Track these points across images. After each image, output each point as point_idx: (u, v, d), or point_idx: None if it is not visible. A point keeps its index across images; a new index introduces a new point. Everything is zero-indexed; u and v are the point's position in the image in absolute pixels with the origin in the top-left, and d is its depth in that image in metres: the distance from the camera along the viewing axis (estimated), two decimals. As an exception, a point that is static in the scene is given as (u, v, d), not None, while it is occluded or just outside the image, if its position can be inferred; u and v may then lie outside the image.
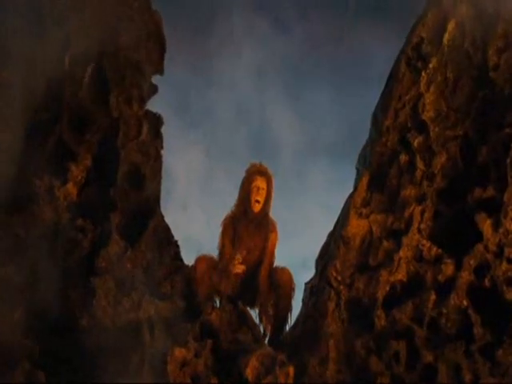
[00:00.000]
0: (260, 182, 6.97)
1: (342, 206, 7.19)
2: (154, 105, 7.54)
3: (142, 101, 7.17)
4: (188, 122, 10.42)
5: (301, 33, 11.32)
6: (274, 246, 7.00)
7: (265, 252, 6.95)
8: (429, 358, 6.34)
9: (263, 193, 6.97)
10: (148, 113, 7.49)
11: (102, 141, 7.03)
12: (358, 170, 7.44)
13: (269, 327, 6.94)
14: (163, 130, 7.47)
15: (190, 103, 10.90)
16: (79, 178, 6.87)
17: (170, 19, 7.66)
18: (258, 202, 6.95)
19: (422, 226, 6.81)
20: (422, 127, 6.89)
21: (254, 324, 6.77)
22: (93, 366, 6.31)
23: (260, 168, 7.03)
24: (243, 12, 10.87)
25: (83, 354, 6.35)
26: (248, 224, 6.98)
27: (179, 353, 6.07)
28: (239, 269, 6.85)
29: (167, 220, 7.38)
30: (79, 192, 6.87)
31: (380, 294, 6.61)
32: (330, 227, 7.33)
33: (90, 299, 6.53)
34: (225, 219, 7.08)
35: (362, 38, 11.18)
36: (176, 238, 7.23)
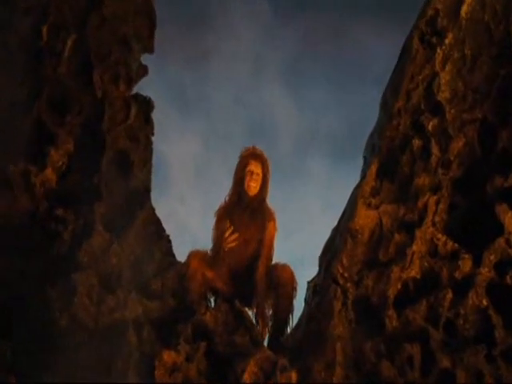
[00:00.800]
0: (254, 167, 6.41)
1: (342, 201, 6.69)
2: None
3: (130, 81, 6.59)
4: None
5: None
6: (272, 236, 6.42)
7: (262, 244, 6.34)
8: (446, 362, 5.78)
9: (258, 178, 6.42)
10: (137, 96, 6.94)
11: (86, 123, 6.45)
12: (365, 158, 6.87)
13: (265, 330, 6.37)
14: (160, 118, 7.01)
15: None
16: (59, 163, 6.27)
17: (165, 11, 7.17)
18: (253, 186, 6.41)
19: (437, 218, 6.26)
20: (436, 109, 6.30)
21: (253, 325, 6.20)
22: (72, 370, 5.70)
23: (254, 151, 6.47)
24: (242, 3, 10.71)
25: (62, 358, 5.73)
26: (243, 212, 6.42)
27: (168, 356, 5.48)
28: (231, 242, 6.27)
29: (162, 212, 6.93)
30: (59, 179, 6.27)
31: (391, 293, 6.05)
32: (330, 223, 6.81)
33: (71, 297, 5.92)
34: (218, 209, 6.53)
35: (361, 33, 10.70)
36: (171, 229, 6.71)
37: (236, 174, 6.48)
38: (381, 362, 5.79)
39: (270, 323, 6.42)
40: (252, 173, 6.39)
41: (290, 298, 6.34)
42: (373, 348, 5.91)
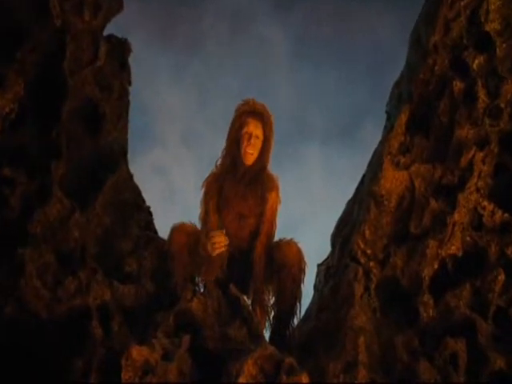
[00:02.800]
0: (253, 127, 5.11)
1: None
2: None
3: (99, 10, 5.28)
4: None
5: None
6: (274, 209, 5.15)
7: (262, 219, 5.09)
8: (499, 362, 4.61)
9: (257, 143, 5.12)
10: (111, 37, 5.66)
11: (42, 62, 5.14)
12: (388, 114, 5.65)
13: (265, 320, 5.15)
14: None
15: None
16: (6, 110, 4.95)
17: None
18: (250, 154, 5.11)
19: (480, 183, 5.04)
20: (484, 43, 5.09)
21: (251, 315, 4.91)
22: (19, 370, 4.46)
23: (253, 106, 5.14)
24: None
25: (6, 354, 4.49)
26: (238, 182, 5.16)
27: (139, 354, 4.19)
28: (220, 247, 4.96)
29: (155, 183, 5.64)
30: (7, 130, 4.97)
31: (426, 274, 4.90)
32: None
33: (17, 278, 4.65)
34: (207, 178, 5.24)
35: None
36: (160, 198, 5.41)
37: (230, 134, 5.21)
38: (416, 362, 4.59)
39: (272, 313, 5.19)
40: (250, 136, 5.11)
41: (296, 281, 5.08)
42: (405, 343, 4.73)
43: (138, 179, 5.68)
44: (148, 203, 5.65)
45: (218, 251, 4.95)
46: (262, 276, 5.10)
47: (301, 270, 5.07)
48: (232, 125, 5.19)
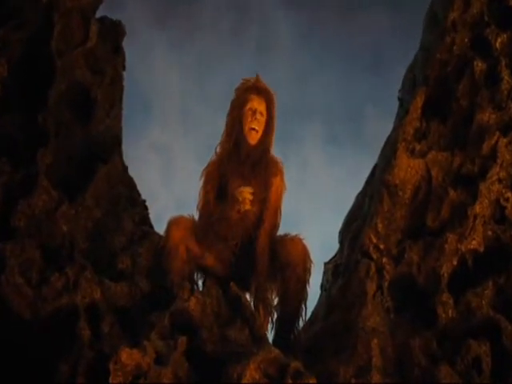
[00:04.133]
0: (257, 104, 4.76)
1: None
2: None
3: (89, -13, 4.93)
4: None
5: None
6: (278, 195, 4.80)
7: (265, 206, 4.73)
8: None
9: (262, 119, 4.77)
10: (104, 18, 5.34)
11: (27, 41, 4.83)
12: (400, 100, 5.32)
13: (267, 320, 4.76)
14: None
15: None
16: (-11, 94, 4.64)
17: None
18: (254, 130, 4.76)
19: (503, 172, 4.74)
20: (507, 20, 4.79)
21: (254, 316, 4.55)
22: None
23: (257, 83, 4.81)
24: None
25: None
26: (240, 166, 4.80)
27: (129, 357, 3.80)
28: (246, 204, 4.66)
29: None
30: (-10, 116, 4.65)
31: (445, 270, 4.55)
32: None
33: None
34: (206, 167, 4.88)
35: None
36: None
37: (231, 113, 4.85)
38: (436, 367, 4.21)
39: (275, 314, 4.82)
40: (254, 112, 4.76)
41: (301, 281, 4.71)
42: (422, 346, 4.36)
43: (137, 157, 5.31)
44: (147, 182, 5.30)
45: (247, 207, 4.64)
46: (265, 270, 4.74)
47: (306, 270, 4.70)
48: (234, 103, 4.86)
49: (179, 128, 9.66)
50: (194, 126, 9.71)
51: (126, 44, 5.41)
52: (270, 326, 4.82)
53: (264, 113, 4.78)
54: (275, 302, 4.82)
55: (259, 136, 4.78)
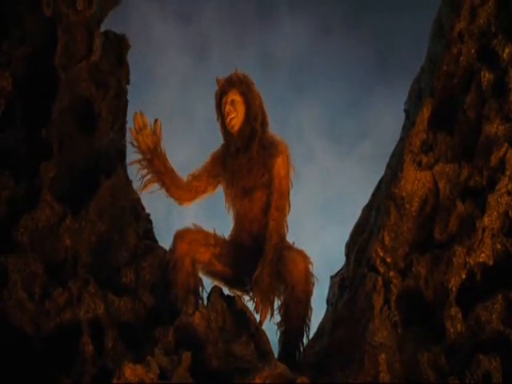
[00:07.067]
0: (231, 94, 4.80)
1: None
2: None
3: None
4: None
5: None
6: (281, 178, 4.73)
7: (270, 190, 4.71)
8: None
9: (238, 107, 4.78)
10: (108, 32, 5.33)
11: (31, 55, 4.80)
12: (406, 112, 5.24)
13: (265, 316, 4.63)
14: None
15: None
16: (-7, 107, 4.62)
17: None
18: (233, 119, 4.80)
19: (511, 185, 4.63)
20: None
21: (259, 331, 4.48)
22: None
23: (229, 77, 4.85)
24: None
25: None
26: (237, 156, 4.82)
27: (132, 373, 3.75)
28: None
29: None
30: (-7, 130, 4.63)
31: (453, 284, 4.47)
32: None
33: (0, 289, 4.27)
34: (211, 154, 5.02)
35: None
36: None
37: (216, 112, 4.92)
38: (445, 382, 4.10)
39: (275, 313, 4.70)
40: (230, 103, 4.80)
41: (301, 302, 4.61)
42: (430, 361, 4.27)
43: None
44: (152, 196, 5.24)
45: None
46: (271, 263, 4.61)
47: (305, 292, 4.60)
48: (215, 102, 4.91)
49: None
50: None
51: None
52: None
53: (240, 100, 4.79)
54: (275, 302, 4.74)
55: (240, 122, 4.78)
